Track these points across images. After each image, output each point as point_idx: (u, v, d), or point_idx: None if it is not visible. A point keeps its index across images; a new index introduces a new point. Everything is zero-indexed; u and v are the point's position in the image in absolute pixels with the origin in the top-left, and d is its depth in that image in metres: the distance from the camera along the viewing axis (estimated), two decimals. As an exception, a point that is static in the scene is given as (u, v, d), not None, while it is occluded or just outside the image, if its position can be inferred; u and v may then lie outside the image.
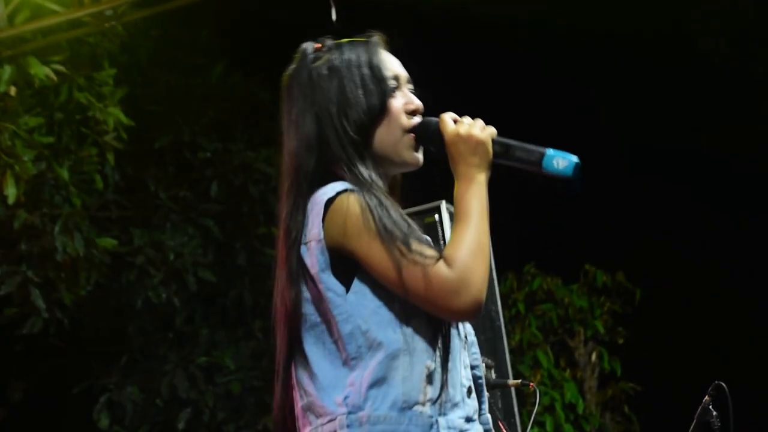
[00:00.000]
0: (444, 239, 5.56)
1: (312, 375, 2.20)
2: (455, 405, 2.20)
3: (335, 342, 2.18)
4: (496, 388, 5.35)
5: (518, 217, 11.53)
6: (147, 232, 9.68)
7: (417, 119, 2.35)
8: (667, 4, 11.53)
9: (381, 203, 2.19)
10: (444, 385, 2.18)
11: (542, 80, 11.77)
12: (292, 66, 2.40)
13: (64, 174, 8.29)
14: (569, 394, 10.64)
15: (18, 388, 10.38)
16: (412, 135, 2.34)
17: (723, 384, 3.95)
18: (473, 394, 2.28)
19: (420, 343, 2.17)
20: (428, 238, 2.25)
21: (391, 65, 2.38)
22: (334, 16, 7.04)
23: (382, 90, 2.32)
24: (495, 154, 2.29)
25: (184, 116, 10.18)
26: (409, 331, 2.16)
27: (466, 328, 2.34)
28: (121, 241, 9.40)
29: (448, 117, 2.33)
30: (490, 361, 5.78)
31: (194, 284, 9.61)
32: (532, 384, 4.61)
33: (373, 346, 2.15)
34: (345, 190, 2.20)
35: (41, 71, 7.73)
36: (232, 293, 10.14)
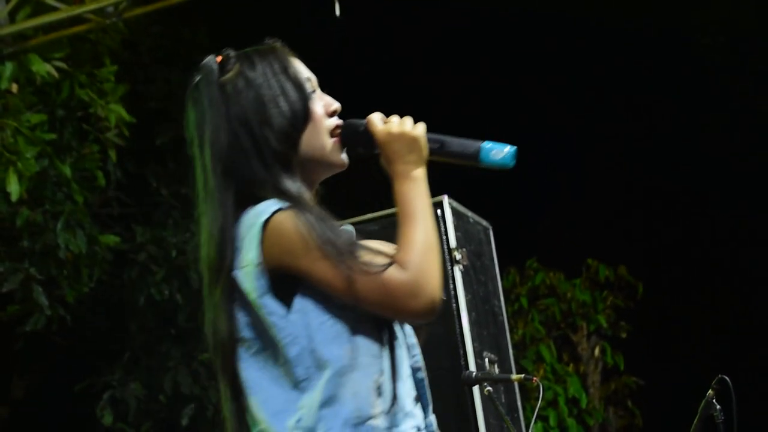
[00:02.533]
0: (447, 235, 5.55)
1: (261, 401, 2.15)
2: (406, 415, 2.18)
3: (282, 365, 2.14)
4: (500, 383, 5.35)
5: (520, 211, 11.53)
6: (149, 228, 9.68)
7: (337, 120, 2.32)
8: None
9: (318, 217, 2.15)
10: (394, 395, 2.15)
11: (552, 74, 11.77)
12: (196, 80, 2.33)
13: (66, 171, 8.29)
14: (572, 389, 10.64)
15: (20, 386, 10.39)
16: (337, 137, 2.31)
17: (726, 378, 3.95)
18: (419, 402, 2.25)
19: (366, 357, 2.13)
20: (368, 242, 2.21)
21: (304, 70, 2.34)
22: (338, 11, 7.04)
23: (303, 95, 2.28)
24: (430, 151, 2.27)
25: (186, 113, 10.16)
26: (354, 345, 2.13)
27: (406, 331, 2.30)
28: (123, 238, 9.40)
29: (376, 117, 2.30)
30: (493, 356, 5.78)
31: (197, 281, 9.60)
32: (535, 379, 4.61)
33: (320, 365, 2.10)
34: (280, 209, 2.14)
35: (43, 68, 7.73)
36: (234, 289, 10.14)
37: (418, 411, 2.23)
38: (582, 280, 11.15)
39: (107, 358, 9.86)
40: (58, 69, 7.91)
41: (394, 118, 2.29)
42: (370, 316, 2.15)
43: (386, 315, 2.15)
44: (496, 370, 5.73)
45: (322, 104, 2.32)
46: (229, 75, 2.31)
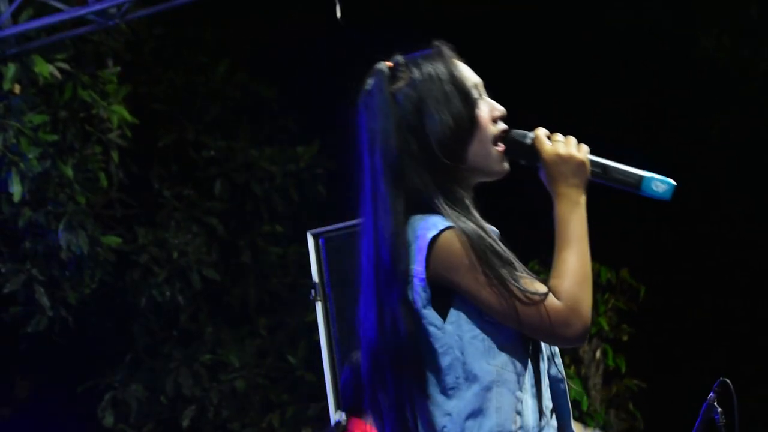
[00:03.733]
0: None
1: (414, 407, 2.24)
2: (540, 430, 2.26)
3: (433, 373, 2.22)
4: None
5: (521, 213, 11.53)
6: (151, 230, 9.68)
7: (502, 126, 2.35)
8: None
9: (479, 236, 2.22)
10: (531, 413, 2.24)
11: (554, 74, 11.76)
12: (369, 85, 2.35)
13: (69, 172, 8.30)
14: (573, 392, 10.63)
15: (23, 387, 10.39)
16: (502, 146, 2.34)
17: (728, 381, 3.95)
18: (554, 415, 2.33)
19: (511, 374, 2.22)
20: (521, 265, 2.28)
21: (470, 75, 2.36)
22: (338, 14, 7.04)
23: (469, 103, 2.31)
24: (593, 174, 2.32)
25: (188, 114, 10.18)
26: (501, 362, 2.21)
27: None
28: (126, 240, 9.40)
29: (543, 134, 2.34)
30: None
31: (198, 282, 9.61)
32: (536, 381, 4.60)
33: (469, 377, 2.20)
34: (448, 227, 2.21)
35: (45, 69, 7.75)
36: (236, 291, 10.15)
37: (554, 423, 2.31)
38: (584, 283, 11.13)
39: (109, 360, 9.86)
40: (60, 70, 7.93)
41: (559, 136, 2.34)
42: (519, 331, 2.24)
43: (540, 339, 2.25)
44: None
45: (488, 110, 2.34)
46: (400, 82, 2.33)
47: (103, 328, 9.98)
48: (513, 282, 2.18)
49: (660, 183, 2.36)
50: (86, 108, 8.59)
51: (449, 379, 2.20)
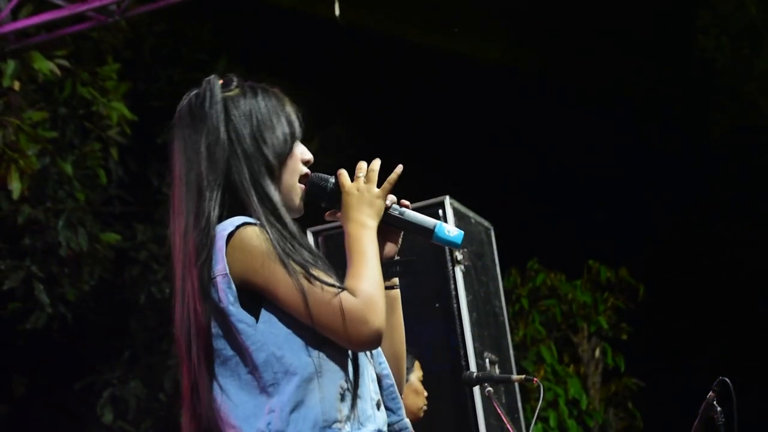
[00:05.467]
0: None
1: (231, 408, 2.27)
2: (367, 419, 2.30)
3: (250, 372, 2.26)
4: (500, 383, 5.35)
5: (521, 212, 11.53)
6: (150, 227, 9.67)
7: (307, 170, 2.44)
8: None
9: (283, 235, 2.28)
10: (355, 401, 2.28)
11: (553, 77, 11.78)
12: (198, 91, 2.43)
13: (68, 169, 8.29)
14: (573, 390, 10.63)
15: (21, 383, 10.38)
16: (303, 186, 2.43)
17: (727, 380, 3.95)
18: (382, 407, 2.36)
19: (331, 364, 2.25)
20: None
21: (296, 117, 2.46)
22: (337, 12, 7.04)
23: (292, 133, 2.41)
24: (390, 217, 2.43)
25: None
26: (320, 353, 2.24)
27: None
28: (125, 237, 9.40)
29: (344, 173, 2.43)
30: (494, 357, 5.78)
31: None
32: (535, 379, 4.61)
33: (289, 371, 2.23)
34: (244, 224, 2.27)
35: (45, 66, 7.74)
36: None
37: (380, 415, 2.34)
38: (583, 282, 11.14)
39: (108, 356, 9.86)
40: (60, 67, 7.91)
41: (361, 171, 2.42)
42: None
43: (335, 339, 2.24)
44: (497, 371, 5.73)
45: (300, 150, 2.43)
46: (233, 92, 2.42)
47: (102, 324, 9.97)
48: (309, 276, 2.23)
49: (452, 229, 2.43)
50: (86, 105, 8.59)
51: (267, 376, 2.23)
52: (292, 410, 2.22)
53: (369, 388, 2.33)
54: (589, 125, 11.88)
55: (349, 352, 2.29)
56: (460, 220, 5.73)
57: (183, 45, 10.47)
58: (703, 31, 11.40)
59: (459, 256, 5.57)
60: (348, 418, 2.25)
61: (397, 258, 2.50)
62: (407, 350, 4.92)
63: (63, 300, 8.74)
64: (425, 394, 4.90)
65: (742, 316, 12.11)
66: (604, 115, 12.06)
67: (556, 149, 11.80)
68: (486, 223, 6.21)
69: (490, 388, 4.67)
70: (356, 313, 2.21)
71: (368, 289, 2.24)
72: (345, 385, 2.26)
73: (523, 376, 4.85)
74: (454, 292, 5.54)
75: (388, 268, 2.44)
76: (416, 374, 4.91)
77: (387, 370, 2.44)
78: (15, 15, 7.44)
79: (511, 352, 6.23)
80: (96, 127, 8.70)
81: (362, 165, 2.43)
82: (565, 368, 10.86)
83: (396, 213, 2.44)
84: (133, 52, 9.77)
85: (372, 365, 2.39)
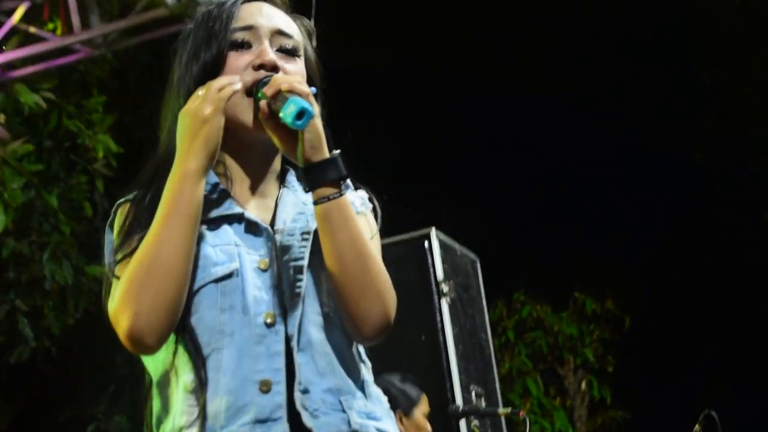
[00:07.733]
0: (434, 267, 5.55)
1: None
2: (239, 410, 1.92)
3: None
4: (486, 416, 5.33)
5: (508, 244, 11.53)
6: (136, 259, 9.64)
7: (260, 74, 2.04)
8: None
9: (143, 199, 2.10)
10: (212, 397, 1.94)
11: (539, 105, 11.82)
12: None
13: (53, 201, 8.27)
14: (559, 423, 10.61)
15: (5, 416, 10.32)
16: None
17: (713, 413, 3.95)
18: (277, 387, 1.93)
19: (180, 369, 1.98)
20: None
21: (249, 16, 2.09)
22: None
23: (219, 45, 2.07)
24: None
25: (174, 143, 10.17)
26: (164, 358, 2.00)
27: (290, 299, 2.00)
28: (110, 269, 9.35)
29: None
30: (480, 390, 5.77)
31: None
32: (522, 412, 4.59)
33: (155, 379, 2.03)
34: (123, 201, 2.19)
35: (30, 98, 7.73)
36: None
37: (268, 399, 1.92)
38: (569, 314, 11.15)
39: (92, 390, 9.80)
40: (46, 99, 7.91)
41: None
42: (189, 327, 1.98)
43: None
44: (483, 404, 5.71)
45: (248, 58, 2.07)
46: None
47: (87, 358, 9.92)
48: (114, 262, 1.98)
49: (293, 105, 1.91)
50: (71, 137, 8.58)
51: (154, 380, 2.03)
52: (158, 418, 2.01)
53: (245, 371, 1.93)
54: (575, 159, 11.92)
55: (201, 355, 1.95)
56: (446, 252, 5.73)
57: (169, 76, 10.47)
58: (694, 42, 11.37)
59: (445, 288, 5.57)
60: (194, 423, 1.93)
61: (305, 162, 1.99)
62: (414, 381, 4.75)
63: (47, 333, 8.70)
64: (429, 430, 4.61)
65: (728, 347, 12.12)
66: (591, 146, 12.09)
67: (542, 182, 11.82)
68: (472, 255, 6.20)
69: (476, 422, 4.66)
70: (112, 316, 1.98)
71: (127, 283, 1.93)
72: (194, 383, 1.94)
73: (509, 409, 4.83)
74: (440, 325, 5.53)
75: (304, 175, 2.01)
76: (421, 409, 4.65)
77: (266, 375, 1.95)
78: (1, 47, 7.44)
79: (498, 384, 6.22)
80: (82, 159, 8.69)
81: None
82: (552, 401, 10.85)
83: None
84: (119, 83, 9.77)
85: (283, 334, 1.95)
